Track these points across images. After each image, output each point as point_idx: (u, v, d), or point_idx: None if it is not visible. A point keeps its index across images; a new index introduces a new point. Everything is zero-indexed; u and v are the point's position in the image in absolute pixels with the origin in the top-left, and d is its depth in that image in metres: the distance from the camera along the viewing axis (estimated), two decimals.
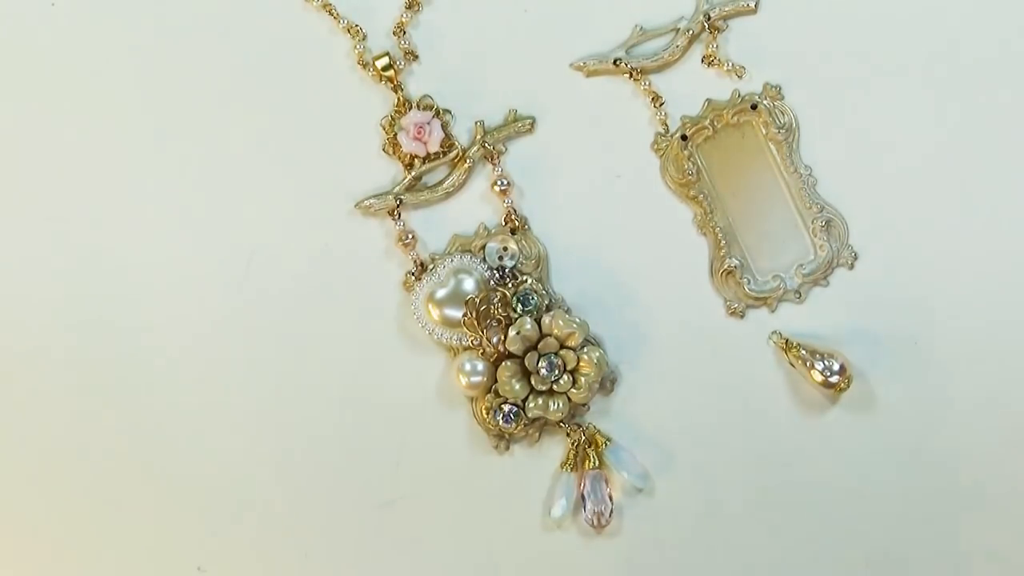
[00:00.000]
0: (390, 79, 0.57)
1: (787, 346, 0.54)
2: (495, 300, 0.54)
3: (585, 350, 0.54)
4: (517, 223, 0.56)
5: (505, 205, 0.56)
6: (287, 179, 0.57)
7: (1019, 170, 0.56)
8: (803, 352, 0.54)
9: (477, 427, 0.55)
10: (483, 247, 0.56)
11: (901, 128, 0.56)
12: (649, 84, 0.57)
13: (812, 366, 0.53)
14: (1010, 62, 0.56)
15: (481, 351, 0.55)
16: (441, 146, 0.56)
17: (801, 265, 0.56)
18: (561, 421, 0.55)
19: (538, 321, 0.54)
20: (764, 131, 0.56)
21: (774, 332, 0.55)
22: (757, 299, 0.56)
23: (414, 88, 0.57)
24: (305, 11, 0.58)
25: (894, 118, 0.56)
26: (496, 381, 0.54)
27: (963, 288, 0.55)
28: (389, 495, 0.56)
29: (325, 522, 0.56)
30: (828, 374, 0.53)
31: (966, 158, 0.56)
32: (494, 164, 0.57)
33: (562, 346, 0.54)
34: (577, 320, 0.54)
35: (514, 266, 0.56)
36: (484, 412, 0.55)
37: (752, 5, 0.57)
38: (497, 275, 0.56)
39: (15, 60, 0.58)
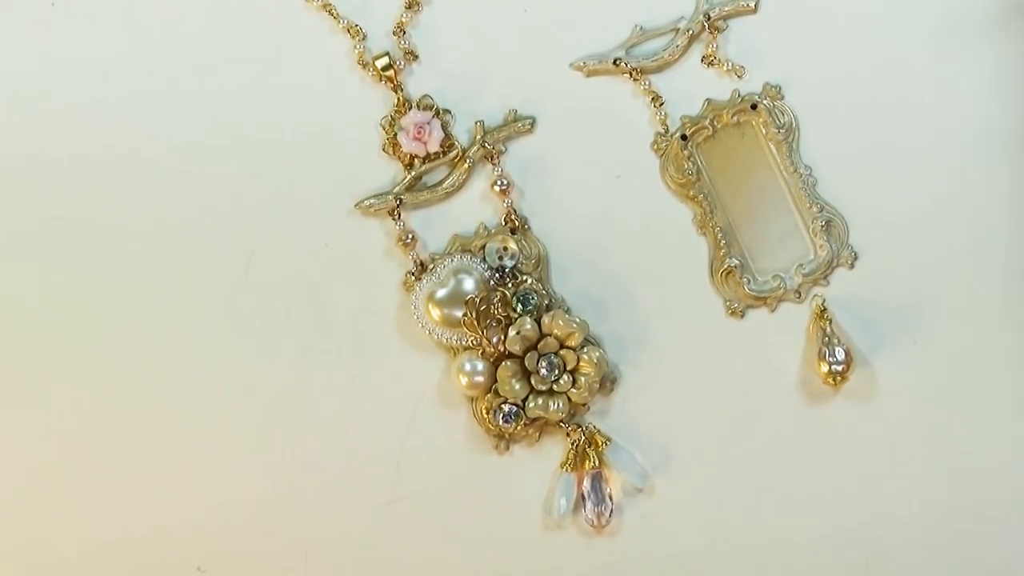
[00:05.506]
0: (390, 79, 0.57)
1: (820, 315, 0.54)
2: (495, 300, 0.54)
3: (585, 350, 0.54)
4: (517, 223, 0.56)
5: (505, 205, 0.56)
6: (287, 179, 0.57)
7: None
8: (828, 329, 0.54)
9: (477, 427, 0.55)
10: (483, 247, 0.56)
11: (901, 127, 0.56)
12: (649, 84, 0.57)
13: (826, 345, 0.54)
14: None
15: (481, 351, 0.55)
16: (441, 146, 0.56)
17: (801, 265, 0.56)
18: (561, 421, 0.55)
19: (538, 321, 0.54)
20: (764, 131, 0.56)
21: (818, 295, 0.55)
22: (757, 299, 0.56)
23: (414, 88, 0.57)
24: (305, 11, 0.58)
25: (895, 117, 0.56)
26: (496, 381, 0.54)
27: (963, 288, 0.55)
28: (389, 495, 0.56)
29: (325, 522, 0.56)
30: (832, 362, 0.53)
31: (966, 157, 0.56)
32: (494, 164, 0.57)
33: (562, 346, 0.54)
34: (577, 320, 0.54)
35: (514, 266, 0.56)
36: (484, 412, 0.55)
37: (752, 5, 0.57)
38: (497, 275, 0.56)
39: (15, 59, 0.58)
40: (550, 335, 0.54)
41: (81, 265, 0.57)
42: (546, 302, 0.55)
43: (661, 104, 0.57)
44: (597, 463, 0.55)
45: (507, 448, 0.56)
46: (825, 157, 0.56)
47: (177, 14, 0.58)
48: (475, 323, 0.54)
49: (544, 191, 0.57)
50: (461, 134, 0.57)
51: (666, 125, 0.57)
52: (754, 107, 0.56)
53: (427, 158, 0.56)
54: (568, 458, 0.55)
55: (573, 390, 0.54)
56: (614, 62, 0.57)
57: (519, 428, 0.55)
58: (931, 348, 0.55)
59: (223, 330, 0.56)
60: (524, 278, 0.56)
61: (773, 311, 0.56)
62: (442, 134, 0.56)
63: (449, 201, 0.57)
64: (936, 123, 0.56)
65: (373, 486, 0.56)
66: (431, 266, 0.56)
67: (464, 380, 0.55)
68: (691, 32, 0.57)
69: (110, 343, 0.57)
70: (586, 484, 0.55)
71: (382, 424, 0.56)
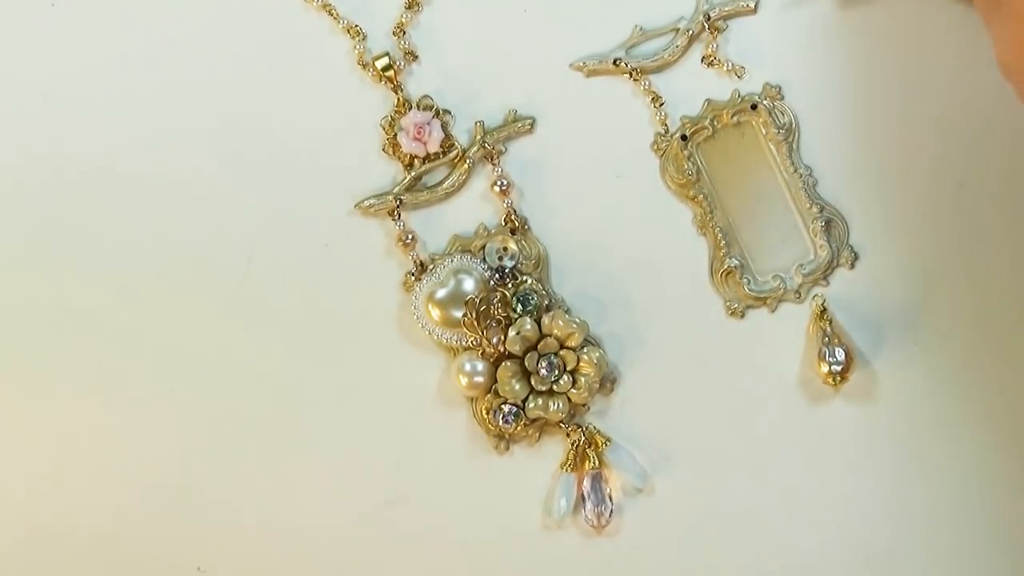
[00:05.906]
0: (390, 79, 0.57)
1: (820, 315, 0.54)
2: (495, 300, 0.54)
3: (585, 350, 0.54)
4: (517, 223, 0.56)
5: (505, 205, 0.56)
6: (287, 179, 0.57)
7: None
8: (828, 329, 0.54)
9: (477, 427, 0.55)
10: (483, 247, 0.56)
11: (901, 127, 0.56)
12: (649, 84, 0.57)
13: (826, 346, 0.54)
14: None
15: (481, 351, 0.55)
16: (441, 146, 0.56)
17: (801, 265, 0.56)
18: (561, 421, 0.55)
19: (538, 321, 0.54)
20: (764, 131, 0.56)
21: (818, 295, 0.55)
22: (757, 299, 0.56)
23: (414, 88, 0.57)
24: (305, 11, 0.58)
25: (895, 117, 0.56)
26: (496, 381, 0.54)
27: (963, 288, 0.55)
28: (389, 495, 0.56)
29: (325, 522, 0.56)
30: (832, 363, 0.53)
31: (966, 156, 0.56)
32: (494, 164, 0.57)
33: (562, 346, 0.54)
34: (577, 320, 0.54)
35: (514, 266, 0.56)
36: (484, 412, 0.55)
37: (752, 5, 0.57)
38: (497, 275, 0.56)
39: (14, 59, 0.58)
40: (550, 335, 0.54)
41: (80, 265, 0.57)
42: (546, 302, 0.55)
43: (661, 104, 0.57)
44: (597, 463, 0.55)
45: (507, 448, 0.56)
46: (825, 157, 0.56)
47: (177, 15, 0.58)
48: (475, 323, 0.54)
49: (544, 191, 0.57)
50: (461, 134, 0.57)
51: (666, 125, 0.57)
52: (754, 107, 0.56)
53: (427, 158, 0.56)
54: (568, 458, 0.55)
55: (573, 390, 0.54)
56: (614, 62, 0.57)
57: (519, 428, 0.55)
58: (931, 348, 0.55)
59: (223, 330, 0.56)
60: (524, 278, 0.56)
61: (773, 311, 0.56)
62: (442, 134, 0.56)
63: (449, 201, 0.57)
64: (935, 122, 0.56)
65: (373, 486, 0.56)
66: (431, 266, 0.56)
67: (464, 380, 0.55)
68: (691, 32, 0.57)
69: (110, 343, 0.57)
70: (586, 484, 0.55)
71: (382, 424, 0.56)
